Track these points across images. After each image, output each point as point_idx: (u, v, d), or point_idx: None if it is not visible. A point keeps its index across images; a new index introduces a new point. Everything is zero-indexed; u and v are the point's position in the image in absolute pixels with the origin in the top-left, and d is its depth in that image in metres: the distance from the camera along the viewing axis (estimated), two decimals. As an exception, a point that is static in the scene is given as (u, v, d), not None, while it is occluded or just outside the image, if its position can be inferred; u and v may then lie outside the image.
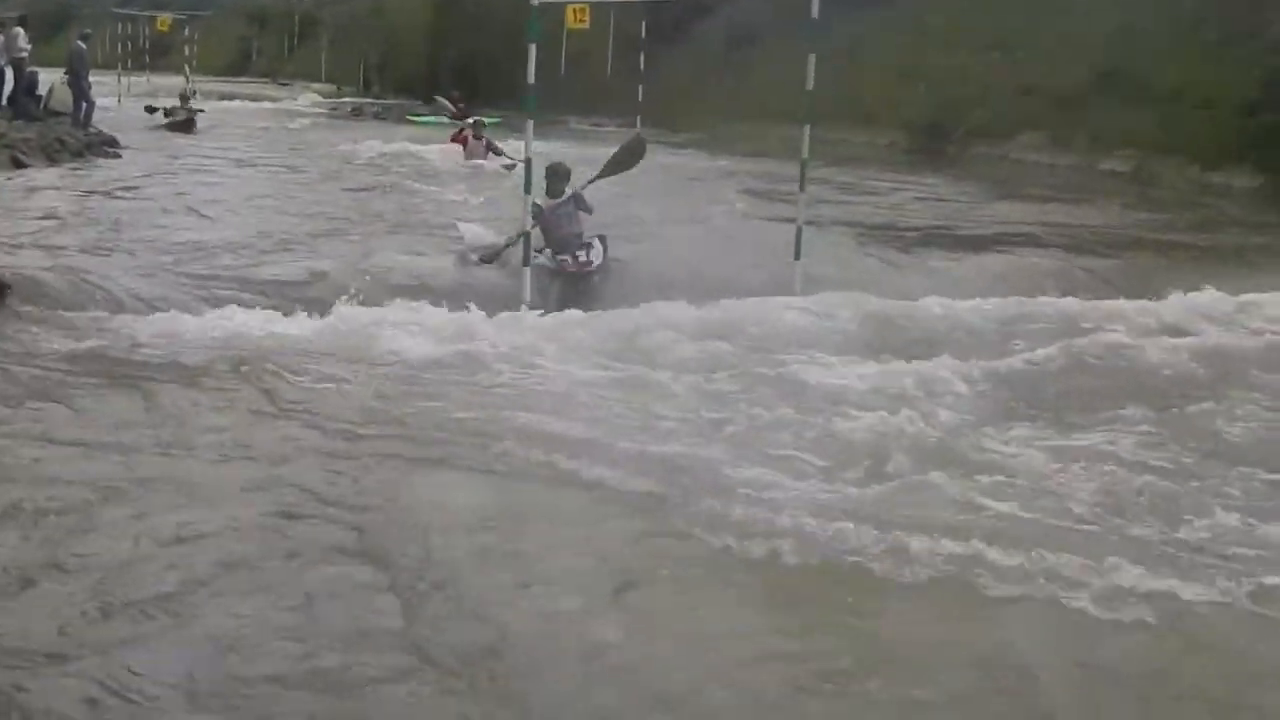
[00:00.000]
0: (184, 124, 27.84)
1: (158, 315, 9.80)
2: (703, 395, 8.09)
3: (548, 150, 17.12)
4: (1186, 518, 6.14)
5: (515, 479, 6.68)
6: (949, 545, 5.65)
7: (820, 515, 5.98)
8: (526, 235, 10.81)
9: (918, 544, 5.66)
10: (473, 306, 9.97)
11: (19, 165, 18.43)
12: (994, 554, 5.58)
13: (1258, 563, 5.63)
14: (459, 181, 19.37)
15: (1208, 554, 5.74)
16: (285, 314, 9.89)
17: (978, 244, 15.23)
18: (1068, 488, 6.55)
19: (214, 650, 4.65)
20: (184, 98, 29.64)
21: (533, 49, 10.64)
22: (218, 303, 10.23)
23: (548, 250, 11.80)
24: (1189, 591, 5.31)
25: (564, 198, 12.08)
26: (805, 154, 11.64)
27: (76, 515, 5.84)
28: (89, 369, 8.31)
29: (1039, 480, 6.68)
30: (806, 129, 11.60)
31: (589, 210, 12.28)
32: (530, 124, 10.97)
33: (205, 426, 7.27)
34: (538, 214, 11.39)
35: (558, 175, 12.24)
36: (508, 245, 11.64)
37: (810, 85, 11.37)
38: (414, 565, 5.49)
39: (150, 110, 30.11)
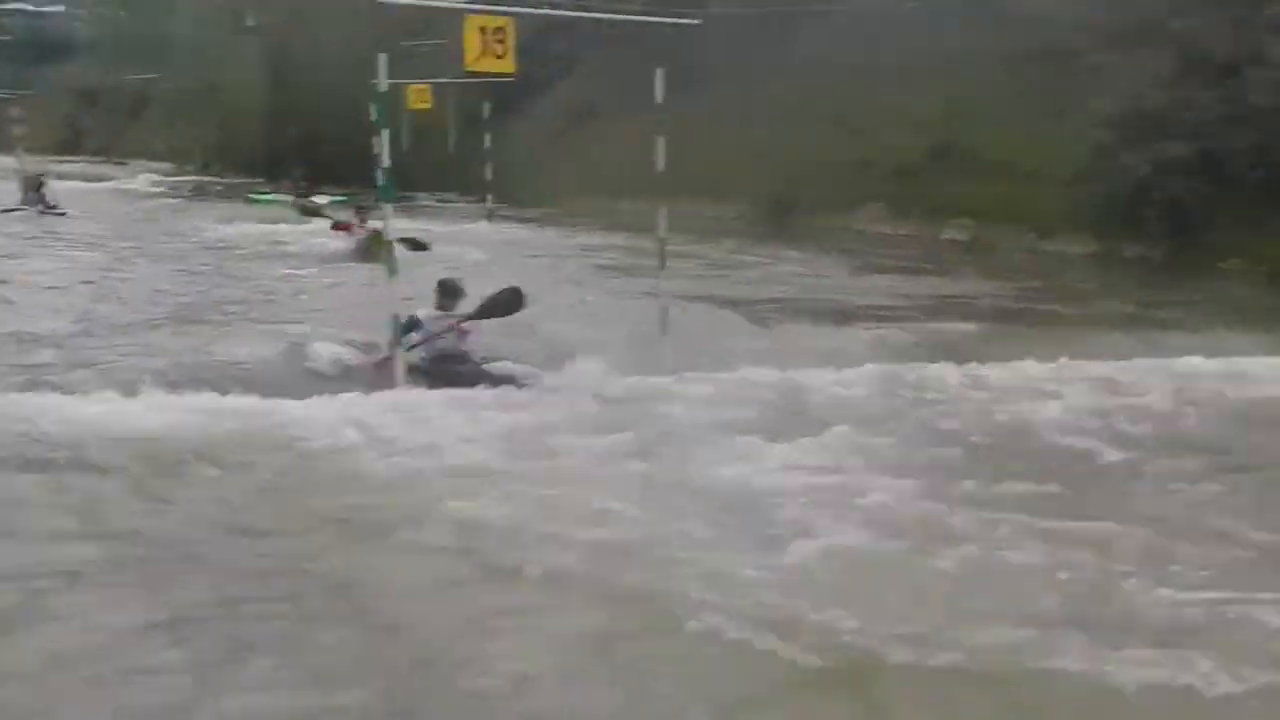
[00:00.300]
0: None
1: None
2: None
3: (408, 228, 17.22)
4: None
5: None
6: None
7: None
8: (396, 318, 10.57)
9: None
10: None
11: None
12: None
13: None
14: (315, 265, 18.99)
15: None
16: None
17: (838, 316, 15.61)
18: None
19: None
20: (35, 184, 28.14)
21: (385, 134, 10.49)
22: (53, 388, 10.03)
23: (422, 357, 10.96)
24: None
25: (450, 317, 11.14)
26: (662, 233, 11.80)
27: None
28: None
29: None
30: (663, 211, 11.77)
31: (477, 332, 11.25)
32: (389, 208, 10.86)
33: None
34: (410, 326, 10.81)
35: (448, 292, 11.27)
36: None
37: (660, 166, 11.53)
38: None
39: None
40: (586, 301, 15.82)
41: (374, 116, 10.55)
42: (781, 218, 29.82)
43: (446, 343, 10.99)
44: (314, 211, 21.32)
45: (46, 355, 11.53)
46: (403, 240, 20.34)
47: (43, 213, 26.63)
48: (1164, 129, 22.90)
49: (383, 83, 10.55)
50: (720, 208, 30.68)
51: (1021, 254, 24.28)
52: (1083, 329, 14.99)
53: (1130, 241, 23.06)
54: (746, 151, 31.99)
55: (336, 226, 21.11)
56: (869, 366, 11.55)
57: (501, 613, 6.09)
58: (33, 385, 10.09)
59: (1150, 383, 11.36)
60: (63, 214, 26.80)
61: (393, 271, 10.54)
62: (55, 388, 9.97)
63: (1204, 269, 21.20)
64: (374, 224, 18.40)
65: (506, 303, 11.23)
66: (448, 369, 10.76)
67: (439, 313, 11.13)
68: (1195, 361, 12.21)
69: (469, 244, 21.26)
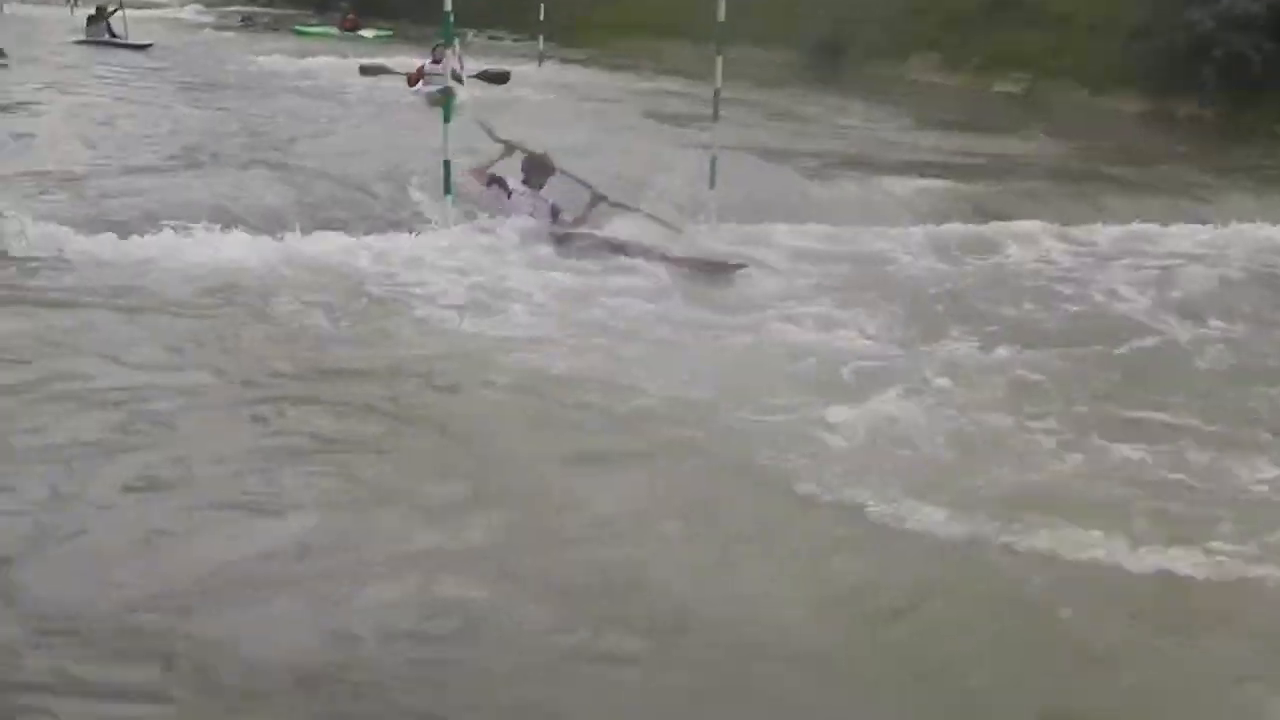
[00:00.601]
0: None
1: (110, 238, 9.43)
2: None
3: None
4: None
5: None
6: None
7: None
8: (447, 164, 10.62)
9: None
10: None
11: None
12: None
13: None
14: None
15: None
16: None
17: (888, 171, 15.37)
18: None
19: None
20: (102, 13, 26.71)
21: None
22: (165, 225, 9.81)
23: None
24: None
25: (535, 192, 10.70)
26: (718, 83, 11.67)
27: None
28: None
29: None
30: (719, 60, 11.57)
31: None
32: (451, 51, 10.90)
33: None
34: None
35: (538, 168, 10.79)
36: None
37: (721, 17, 11.36)
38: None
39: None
40: (634, 152, 15.56)
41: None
42: (832, 64, 29.39)
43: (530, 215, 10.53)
44: (375, 72, 20.10)
45: (116, 188, 11.52)
46: (480, 75, 20.14)
47: (109, 43, 25.32)
48: (1234, -19, 22.40)
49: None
50: (770, 52, 30.16)
51: (1073, 108, 23.95)
52: (1137, 191, 14.96)
53: (1184, 100, 22.75)
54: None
55: (411, 80, 19.08)
56: (918, 228, 11.68)
57: (584, 460, 6.20)
58: (103, 223, 10.09)
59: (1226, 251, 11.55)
60: (135, 45, 25.13)
61: (447, 118, 10.55)
62: (125, 226, 9.96)
63: (1260, 132, 20.93)
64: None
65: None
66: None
67: (525, 189, 10.69)
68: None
69: (522, 87, 21.10)
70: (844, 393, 7.10)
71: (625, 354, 7.67)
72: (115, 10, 25.88)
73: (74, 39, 25.36)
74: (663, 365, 7.44)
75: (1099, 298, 9.98)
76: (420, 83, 18.27)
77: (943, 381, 7.37)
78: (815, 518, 5.62)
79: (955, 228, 11.95)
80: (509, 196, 10.54)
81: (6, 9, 26.36)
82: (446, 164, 10.54)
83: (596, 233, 10.38)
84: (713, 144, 11.63)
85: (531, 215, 10.48)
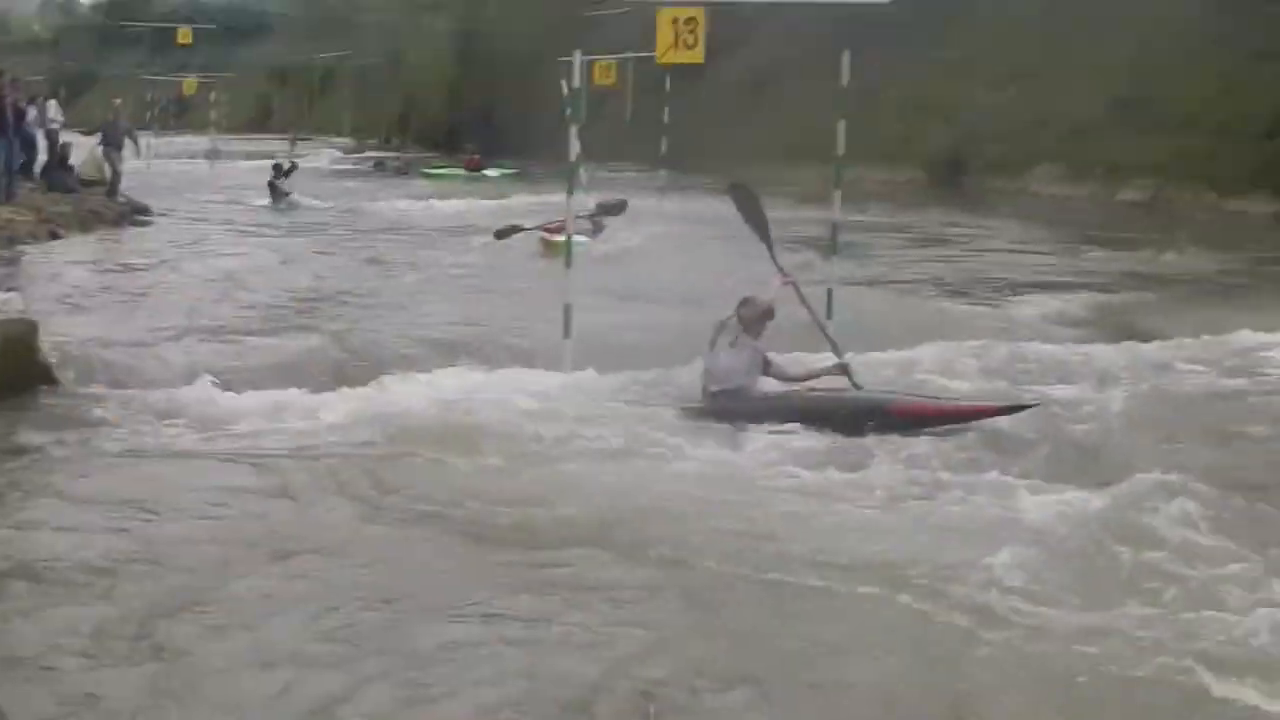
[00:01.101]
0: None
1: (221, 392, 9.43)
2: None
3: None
4: None
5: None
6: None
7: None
8: (568, 307, 10.63)
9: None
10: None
11: (55, 237, 18.52)
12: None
13: None
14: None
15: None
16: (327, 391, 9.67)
17: (1023, 288, 15.27)
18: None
19: None
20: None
21: (574, 130, 10.68)
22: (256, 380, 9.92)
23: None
24: None
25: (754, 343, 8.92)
26: (837, 215, 11.67)
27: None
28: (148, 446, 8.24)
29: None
30: (837, 194, 11.60)
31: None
32: (575, 200, 11.01)
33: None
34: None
35: (761, 314, 8.94)
36: None
37: (841, 151, 11.41)
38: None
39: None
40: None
41: (566, 111, 10.73)
42: (953, 180, 29.41)
43: (739, 375, 8.95)
44: (509, 233, 18.35)
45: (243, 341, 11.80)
46: (598, 208, 20.06)
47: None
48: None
49: (576, 79, 10.75)
50: (891, 170, 30.34)
51: (1202, 213, 23.56)
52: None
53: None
54: (917, 112, 31.66)
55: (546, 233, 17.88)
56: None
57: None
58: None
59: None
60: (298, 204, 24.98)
61: (569, 264, 10.62)
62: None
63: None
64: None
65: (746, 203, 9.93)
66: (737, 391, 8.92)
67: (749, 340, 8.92)
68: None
69: (652, 222, 21.32)
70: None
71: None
72: (291, 168, 26.51)
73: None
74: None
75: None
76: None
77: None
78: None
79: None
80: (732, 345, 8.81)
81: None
82: (567, 307, 10.58)
83: (828, 390, 8.85)
84: (830, 276, 11.60)
85: (745, 372, 8.98)
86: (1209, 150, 24.57)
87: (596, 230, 17.94)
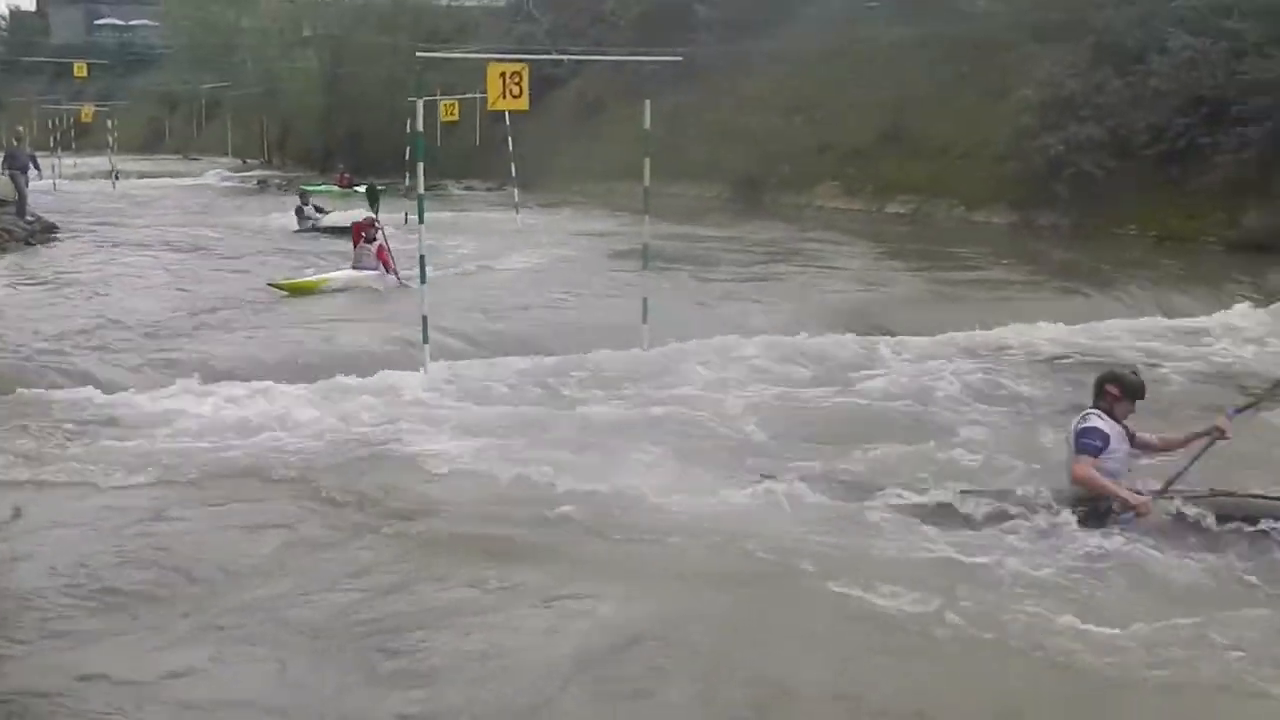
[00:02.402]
0: None
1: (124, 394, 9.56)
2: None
3: (441, 218, 17.13)
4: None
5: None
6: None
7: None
8: (424, 318, 10.63)
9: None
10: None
11: (-31, 256, 17.90)
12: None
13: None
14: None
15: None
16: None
17: (797, 289, 15.68)
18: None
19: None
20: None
21: (420, 167, 10.79)
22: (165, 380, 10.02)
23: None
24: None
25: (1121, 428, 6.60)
26: (646, 238, 11.92)
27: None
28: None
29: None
30: (646, 219, 11.86)
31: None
32: (422, 228, 11.08)
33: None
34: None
35: (1130, 391, 6.63)
36: None
37: (647, 183, 11.65)
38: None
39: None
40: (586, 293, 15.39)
41: (410, 151, 10.84)
42: (752, 196, 29.87)
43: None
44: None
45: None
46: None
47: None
48: (1076, 112, 22.94)
49: (419, 122, 10.91)
50: (703, 187, 30.73)
51: (953, 224, 24.39)
52: (1000, 293, 15.31)
53: (1044, 212, 23.21)
54: (726, 138, 32.06)
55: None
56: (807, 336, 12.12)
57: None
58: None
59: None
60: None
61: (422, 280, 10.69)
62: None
63: (1104, 235, 21.36)
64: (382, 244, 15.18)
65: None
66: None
67: (1117, 425, 6.61)
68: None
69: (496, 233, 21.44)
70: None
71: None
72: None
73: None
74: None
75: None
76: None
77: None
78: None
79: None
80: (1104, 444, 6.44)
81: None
82: (424, 319, 10.59)
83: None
84: (643, 285, 11.83)
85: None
86: (957, 171, 25.36)
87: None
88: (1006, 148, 24.22)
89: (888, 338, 12.29)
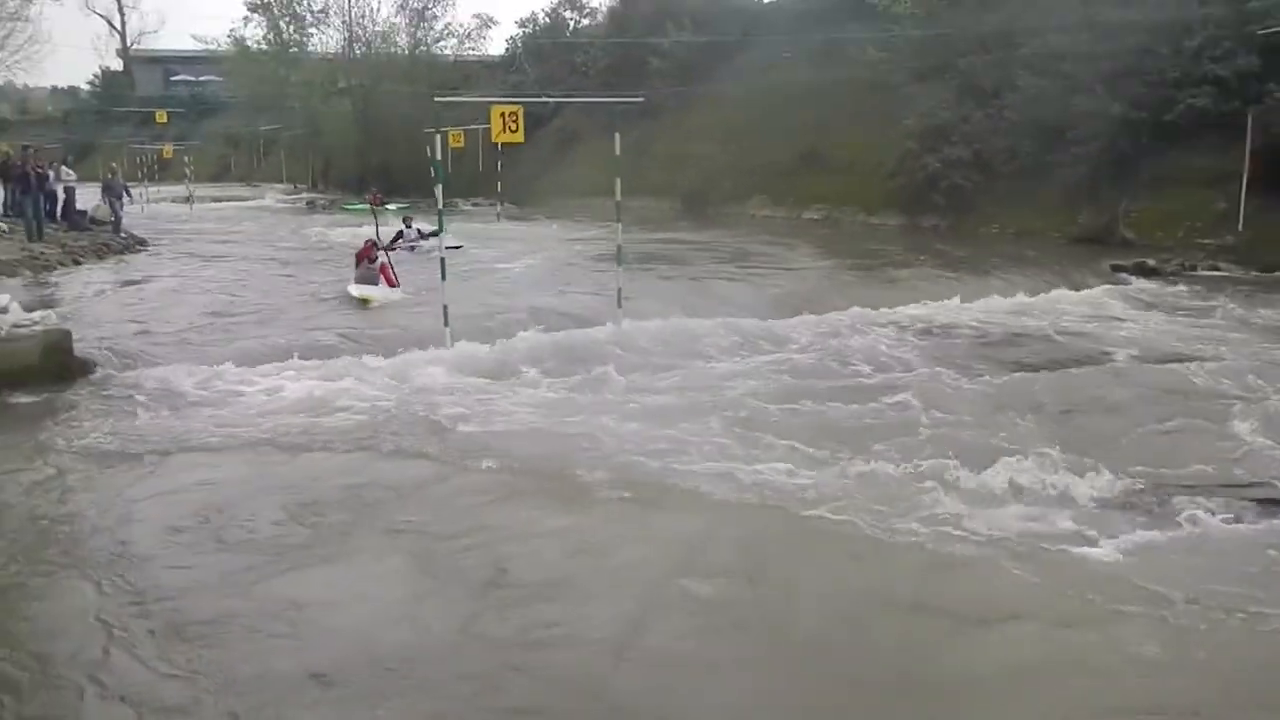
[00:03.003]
0: None
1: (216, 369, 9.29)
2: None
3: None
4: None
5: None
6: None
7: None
8: (445, 307, 10.66)
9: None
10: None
11: (77, 264, 17.68)
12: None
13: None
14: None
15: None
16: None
17: (733, 278, 15.64)
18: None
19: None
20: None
21: (439, 189, 10.74)
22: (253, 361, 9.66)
23: None
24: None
25: None
26: (619, 240, 11.93)
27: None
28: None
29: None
30: (619, 226, 11.84)
31: None
32: (441, 240, 11.11)
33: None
34: None
35: None
36: None
37: (618, 198, 11.67)
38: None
39: None
40: (573, 281, 15.14)
41: (433, 174, 10.78)
42: (699, 208, 29.94)
43: None
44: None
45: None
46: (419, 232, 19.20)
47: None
48: (948, 138, 23.15)
49: (438, 151, 10.84)
50: (660, 201, 30.79)
51: (857, 226, 24.56)
52: (900, 276, 15.47)
53: (927, 215, 23.42)
54: (677, 161, 32.11)
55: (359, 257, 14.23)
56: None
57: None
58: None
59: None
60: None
61: (444, 276, 10.54)
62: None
63: (973, 233, 21.62)
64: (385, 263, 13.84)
65: None
66: None
67: None
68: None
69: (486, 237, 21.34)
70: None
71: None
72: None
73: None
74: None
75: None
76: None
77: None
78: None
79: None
80: None
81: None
82: (445, 307, 10.56)
83: None
84: (618, 279, 11.83)
85: None
86: (859, 184, 25.53)
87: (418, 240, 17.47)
88: (896, 166, 24.39)
89: (811, 316, 12.35)
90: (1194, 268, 17.00)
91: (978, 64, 23.81)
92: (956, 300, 13.57)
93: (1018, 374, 9.46)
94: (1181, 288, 15.25)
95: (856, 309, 12.64)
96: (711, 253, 18.89)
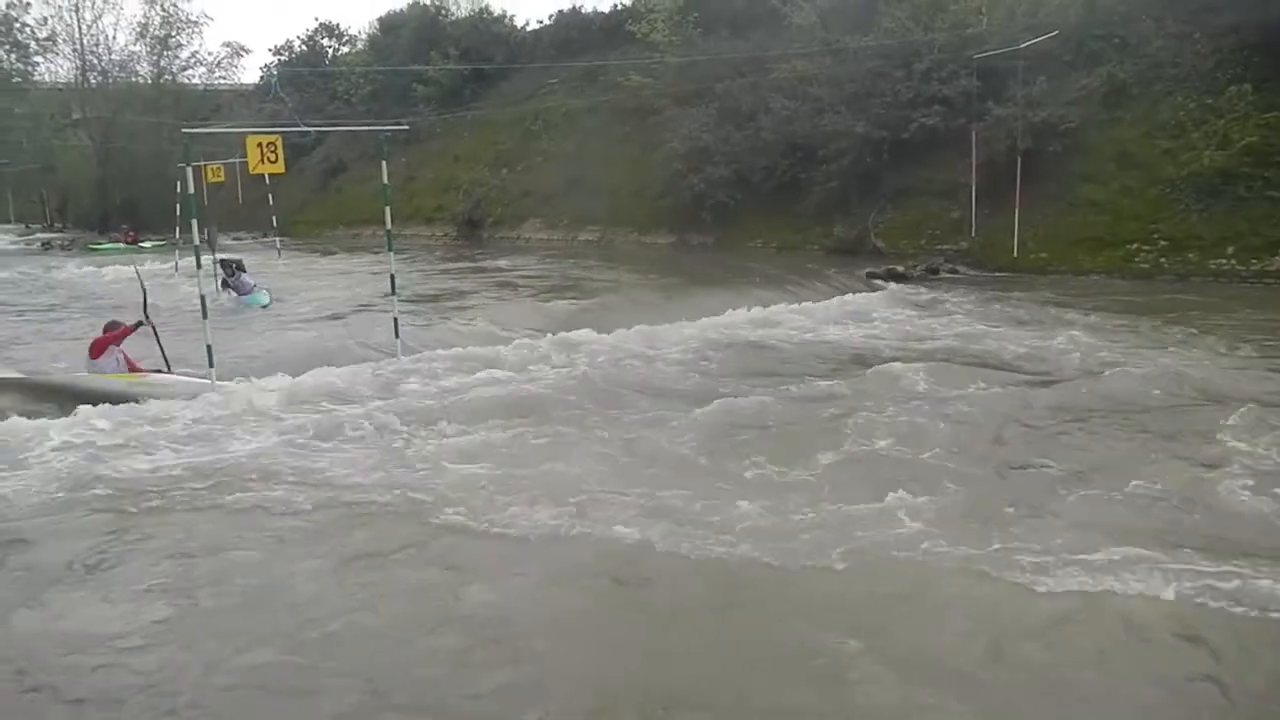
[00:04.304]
0: None
1: None
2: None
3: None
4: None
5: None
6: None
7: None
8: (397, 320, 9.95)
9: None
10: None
11: None
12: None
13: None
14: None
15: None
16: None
17: (516, 298, 15.63)
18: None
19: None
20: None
21: (195, 222, 10.07)
22: None
23: None
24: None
25: None
26: (394, 269, 11.54)
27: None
28: None
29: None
30: (392, 255, 11.49)
31: None
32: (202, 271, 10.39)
33: None
34: None
35: None
36: None
37: (389, 226, 11.32)
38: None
39: None
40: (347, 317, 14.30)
41: (179, 210, 10.12)
42: (473, 234, 29.66)
43: None
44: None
45: None
46: (224, 263, 17.60)
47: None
48: (711, 158, 23.87)
49: (190, 186, 10.14)
50: (434, 229, 30.30)
51: (630, 246, 24.99)
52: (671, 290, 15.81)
53: (695, 233, 24.13)
54: (448, 188, 31.68)
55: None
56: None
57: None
58: None
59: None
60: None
61: (205, 315, 9.96)
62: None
63: (740, 248, 22.46)
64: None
65: None
66: None
67: None
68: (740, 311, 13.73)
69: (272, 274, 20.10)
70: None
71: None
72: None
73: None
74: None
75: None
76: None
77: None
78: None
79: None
80: None
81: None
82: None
83: None
84: (393, 310, 11.44)
85: None
86: (629, 206, 25.97)
87: (232, 276, 16.01)
88: (663, 186, 24.98)
89: (591, 331, 12.41)
90: (936, 271, 18.47)
91: (734, 88, 24.78)
92: (744, 311, 14.03)
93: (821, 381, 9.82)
94: (924, 290, 16.46)
95: (642, 326, 12.78)
96: (489, 280, 18.69)
